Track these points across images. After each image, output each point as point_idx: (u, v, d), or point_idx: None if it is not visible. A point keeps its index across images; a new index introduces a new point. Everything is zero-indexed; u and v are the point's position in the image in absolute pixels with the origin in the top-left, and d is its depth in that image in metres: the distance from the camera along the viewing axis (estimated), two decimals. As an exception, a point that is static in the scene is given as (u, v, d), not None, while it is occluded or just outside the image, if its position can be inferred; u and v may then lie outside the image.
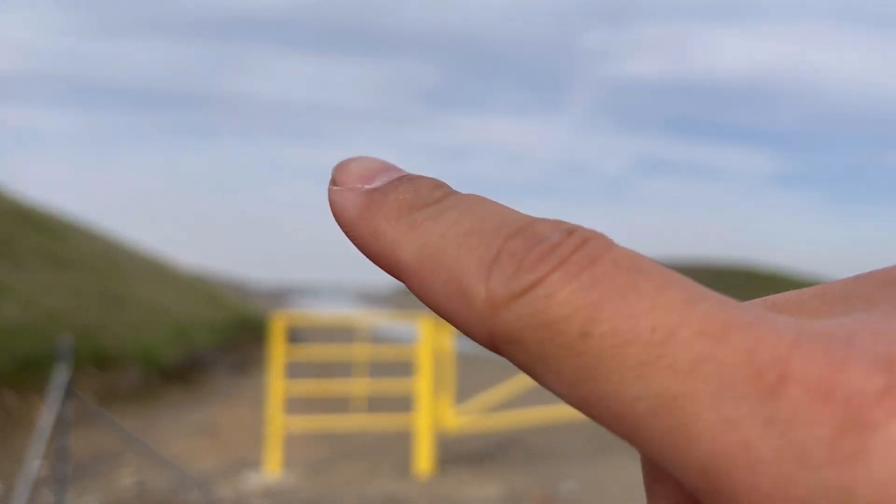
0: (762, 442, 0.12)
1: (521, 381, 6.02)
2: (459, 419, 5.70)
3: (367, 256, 0.16)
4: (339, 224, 0.16)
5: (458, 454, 6.05)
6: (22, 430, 6.32)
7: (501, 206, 0.15)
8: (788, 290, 0.17)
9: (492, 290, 0.14)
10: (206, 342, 12.25)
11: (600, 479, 5.32)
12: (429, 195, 0.15)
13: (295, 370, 11.66)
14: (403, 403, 8.26)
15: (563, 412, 6.63)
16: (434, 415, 5.45)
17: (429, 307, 0.15)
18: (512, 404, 8.86)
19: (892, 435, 0.11)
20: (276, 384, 5.36)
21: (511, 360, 0.14)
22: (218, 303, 18.70)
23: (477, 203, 0.15)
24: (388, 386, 7.34)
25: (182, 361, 10.51)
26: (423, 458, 5.38)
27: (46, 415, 4.28)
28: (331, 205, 0.16)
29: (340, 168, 0.16)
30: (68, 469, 4.45)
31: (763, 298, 0.17)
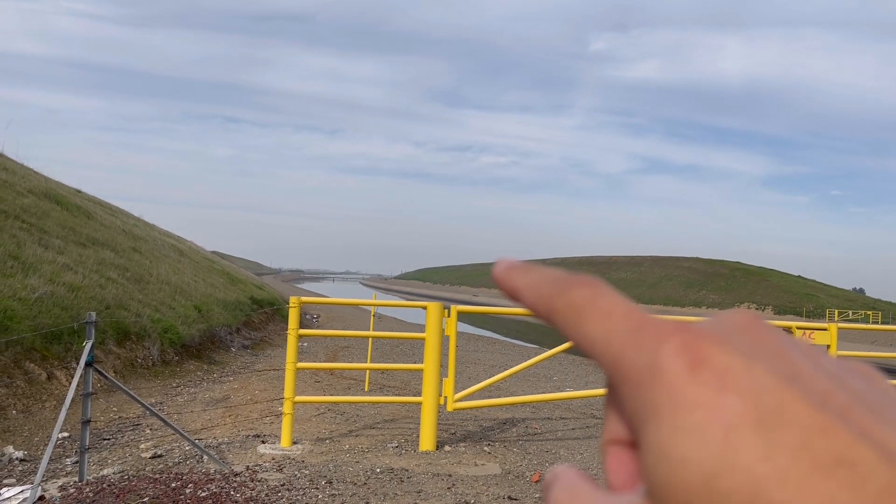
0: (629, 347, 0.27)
1: (519, 368, 6.19)
2: (461, 401, 5.87)
3: (503, 289, 0.33)
4: (495, 277, 0.33)
5: (458, 433, 6.21)
6: (45, 401, 6.54)
7: (553, 269, 0.32)
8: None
9: (550, 293, 0.30)
10: (223, 321, 12.51)
11: (591, 462, 5.49)
12: (529, 266, 0.33)
13: (307, 351, 11.86)
14: (409, 384, 8.45)
15: (555, 396, 6.80)
16: (438, 396, 5.61)
17: (525, 306, 0.31)
18: (511, 389, 8.99)
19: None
20: (290, 363, 5.55)
21: (555, 324, 0.30)
22: (235, 284, 18.94)
23: (543, 268, 0.32)
24: (395, 367, 7.55)
25: (199, 338, 10.77)
26: (426, 436, 5.55)
27: (69, 387, 4.43)
28: (494, 272, 0.33)
29: (500, 260, 0.34)
30: (89, 439, 4.64)
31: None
